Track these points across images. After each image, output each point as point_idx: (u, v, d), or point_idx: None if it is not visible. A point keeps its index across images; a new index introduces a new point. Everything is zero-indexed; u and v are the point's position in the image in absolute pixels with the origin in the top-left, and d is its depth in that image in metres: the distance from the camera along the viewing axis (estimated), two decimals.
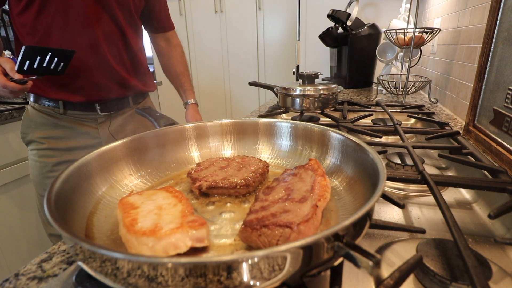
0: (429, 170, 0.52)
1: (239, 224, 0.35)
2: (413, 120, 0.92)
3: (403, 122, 0.88)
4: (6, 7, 0.79)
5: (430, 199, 0.47)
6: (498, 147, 0.56)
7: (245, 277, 0.22)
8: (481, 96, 0.65)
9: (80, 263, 0.26)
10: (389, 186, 0.54)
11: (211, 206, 0.41)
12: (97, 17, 0.78)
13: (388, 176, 0.45)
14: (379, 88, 1.27)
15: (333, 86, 0.90)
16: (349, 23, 1.38)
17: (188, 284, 0.22)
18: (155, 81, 2.18)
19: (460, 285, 0.29)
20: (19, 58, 0.65)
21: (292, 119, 0.77)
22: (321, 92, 0.88)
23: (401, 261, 0.31)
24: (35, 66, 0.67)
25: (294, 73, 2.02)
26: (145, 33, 1.00)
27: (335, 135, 0.49)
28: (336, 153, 0.49)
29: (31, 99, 0.86)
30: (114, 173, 0.46)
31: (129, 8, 0.84)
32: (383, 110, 0.91)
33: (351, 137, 0.45)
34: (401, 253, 0.36)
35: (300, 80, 0.94)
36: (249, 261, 0.21)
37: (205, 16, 2.56)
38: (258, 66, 2.60)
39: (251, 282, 0.22)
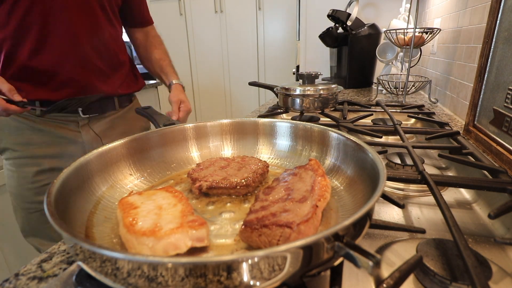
0: (429, 170, 0.52)
1: (239, 224, 0.35)
2: (413, 120, 0.92)
3: (403, 122, 0.88)
4: None
5: (430, 199, 0.47)
6: (498, 147, 0.56)
7: (245, 277, 0.22)
8: (481, 96, 0.65)
9: (80, 263, 0.26)
10: (389, 186, 0.54)
11: (211, 206, 0.41)
12: (77, 12, 0.74)
13: (388, 176, 0.45)
14: (379, 88, 1.27)
15: (333, 86, 0.90)
16: (349, 23, 1.38)
17: (188, 284, 0.22)
18: (152, 82, 2.19)
19: (460, 285, 0.29)
20: None
21: (292, 119, 0.77)
22: (321, 92, 0.88)
23: (401, 261, 0.31)
24: None
25: (294, 73, 2.02)
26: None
27: (335, 135, 0.49)
28: (336, 153, 0.49)
29: None
30: (114, 173, 0.46)
31: (109, 2, 0.81)
32: (383, 110, 0.91)
33: (351, 137, 0.45)
34: (401, 253, 0.36)
35: (300, 80, 0.94)
36: (249, 261, 0.21)
37: (205, 16, 2.56)
38: (258, 66, 2.61)
39: (251, 282, 0.22)
